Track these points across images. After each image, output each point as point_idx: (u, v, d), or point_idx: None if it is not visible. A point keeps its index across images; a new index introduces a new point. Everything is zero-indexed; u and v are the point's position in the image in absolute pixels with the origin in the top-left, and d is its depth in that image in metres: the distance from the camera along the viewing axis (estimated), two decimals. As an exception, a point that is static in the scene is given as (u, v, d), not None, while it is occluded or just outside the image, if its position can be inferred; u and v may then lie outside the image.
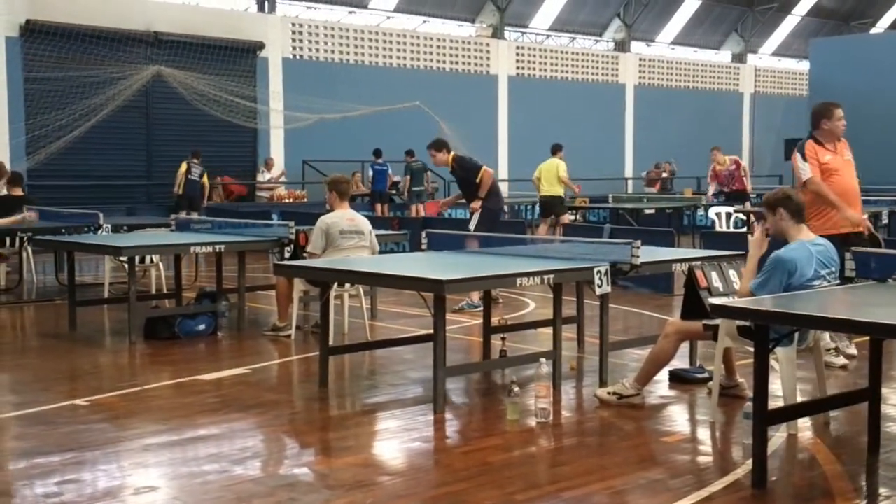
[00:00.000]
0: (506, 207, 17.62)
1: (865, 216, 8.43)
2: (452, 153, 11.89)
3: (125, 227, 12.78)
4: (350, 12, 28.96)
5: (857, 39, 34.91)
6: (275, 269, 8.48)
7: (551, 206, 17.82)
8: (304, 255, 9.34)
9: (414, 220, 18.19)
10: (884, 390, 5.98)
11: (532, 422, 6.35)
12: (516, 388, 6.47)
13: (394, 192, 24.46)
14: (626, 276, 7.47)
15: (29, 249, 12.92)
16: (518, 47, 31.83)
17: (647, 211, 21.20)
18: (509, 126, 30.77)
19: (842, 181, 8.28)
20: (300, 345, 9.22)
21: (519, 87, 31.13)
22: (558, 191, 17.72)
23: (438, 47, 29.72)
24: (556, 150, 17.93)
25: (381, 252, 9.71)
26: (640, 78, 34.73)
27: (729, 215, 18.75)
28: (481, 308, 9.04)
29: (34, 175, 20.21)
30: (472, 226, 11.46)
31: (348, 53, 27.75)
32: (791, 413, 5.85)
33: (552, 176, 17.64)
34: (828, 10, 39.44)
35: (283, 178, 25.34)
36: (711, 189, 19.30)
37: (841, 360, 8.00)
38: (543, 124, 29.31)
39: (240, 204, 23.30)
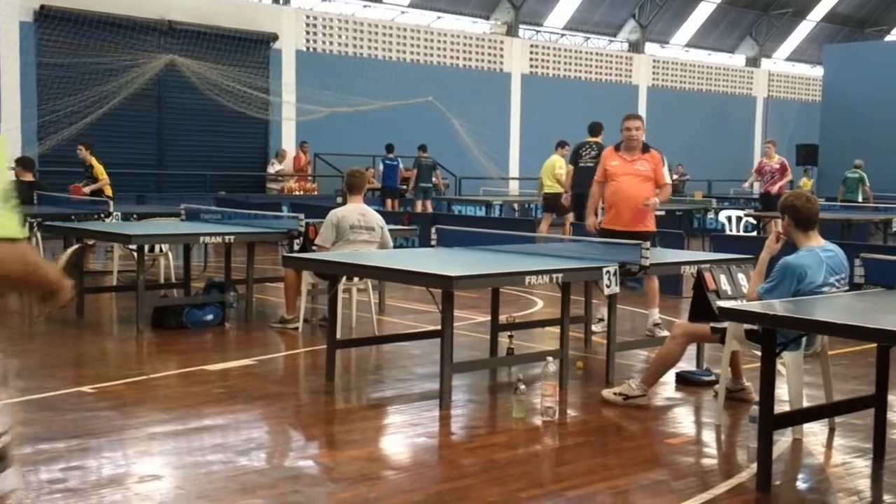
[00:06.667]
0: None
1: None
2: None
3: (135, 216, 12.79)
4: (365, 6, 28.96)
5: (871, 46, 34.79)
6: (283, 262, 8.50)
7: (552, 203, 16.94)
8: (314, 247, 9.34)
9: (423, 216, 18.08)
10: (890, 397, 5.96)
11: (538, 420, 6.36)
12: (522, 387, 6.46)
13: (404, 187, 24.45)
14: (634, 276, 7.46)
15: (38, 235, 12.94)
16: (532, 45, 31.81)
17: (657, 213, 21.09)
18: (521, 124, 30.77)
19: (615, 186, 9.44)
20: (307, 338, 9.23)
21: (532, 86, 31.11)
22: (558, 188, 16.59)
23: (452, 43, 29.72)
24: (559, 145, 17.30)
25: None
26: (653, 79, 34.70)
27: (739, 219, 18.73)
28: None
29: (45, 161, 20.22)
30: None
31: (362, 47, 27.76)
32: (797, 418, 5.84)
33: (550, 172, 16.97)
34: (843, 16, 39.37)
35: (290, 165, 25.29)
36: (751, 181, 19.13)
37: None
38: (555, 123, 29.28)
39: (249, 195, 23.30)
